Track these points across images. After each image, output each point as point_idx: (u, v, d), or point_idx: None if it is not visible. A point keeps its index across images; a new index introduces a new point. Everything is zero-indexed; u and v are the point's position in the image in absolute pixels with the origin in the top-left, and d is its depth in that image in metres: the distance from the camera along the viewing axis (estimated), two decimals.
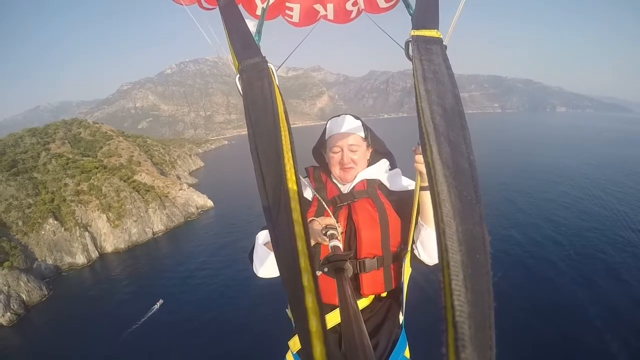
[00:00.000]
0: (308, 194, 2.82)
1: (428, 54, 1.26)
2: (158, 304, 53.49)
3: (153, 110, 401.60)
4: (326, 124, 2.96)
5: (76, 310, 52.32)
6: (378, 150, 2.98)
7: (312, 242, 2.20)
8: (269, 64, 1.35)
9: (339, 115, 2.91)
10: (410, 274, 2.66)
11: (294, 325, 2.48)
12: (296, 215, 0.98)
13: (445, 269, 0.74)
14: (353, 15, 3.81)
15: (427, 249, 2.51)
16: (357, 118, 2.87)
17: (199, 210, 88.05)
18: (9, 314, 49.98)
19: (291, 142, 1.13)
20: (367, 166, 2.88)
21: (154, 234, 75.75)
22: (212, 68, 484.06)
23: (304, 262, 0.89)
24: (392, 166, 3.01)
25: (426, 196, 2.35)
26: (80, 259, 65.22)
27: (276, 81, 1.32)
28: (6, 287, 51.57)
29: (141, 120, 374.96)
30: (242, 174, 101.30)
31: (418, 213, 2.46)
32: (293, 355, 2.57)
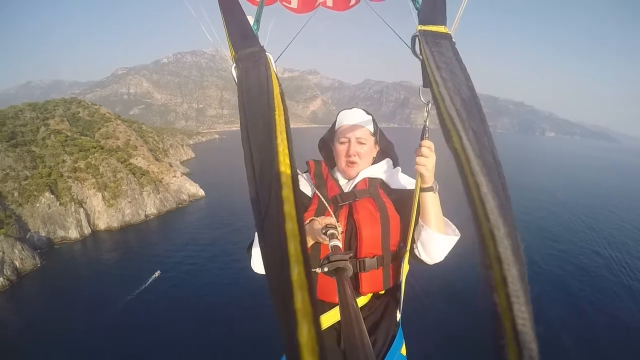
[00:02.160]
0: (308, 190, 2.76)
1: (438, 46, 1.22)
2: (157, 273, 56.11)
3: (146, 98, 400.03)
4: (336, 116, 2.93)
5: (68, 281, 54.09)
6: (384, 150, 2.99)
7: (312, 242, 2.29)
8: (266, 53, 1.32)
9: (350, 108, 2.89)
10: (408, 271, 2.67)
11: None
12: (289, 207, 0.78)
13: (500, 287, 0.62)
14: (352, 2, 3.81)
15: (427, 250, 2.49)
16: (368, 113, 2.84)
17: (191, 198, 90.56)
18: (1, 279, 51.50)
19: (286, 121, 1.01)
20: (372, 164, 2.88)
21: (146, 216, 78.01)
22: (209, 61, 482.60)
23: (296, 271, 0.70)
24: (395, 165, 2.99)
25: (426, 197, 2.37)
26: (73, 234, 67.02)
27: (273, 67, 1.28)
28: (1, 254, 53.11)
29: (133, 107, 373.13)
30: (233, 168, 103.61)
31: (418, 214, 2.46)
32: None
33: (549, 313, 48.14)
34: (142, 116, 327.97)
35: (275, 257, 0.72)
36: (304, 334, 0.63)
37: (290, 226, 0.75)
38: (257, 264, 2.39)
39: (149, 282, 54.34)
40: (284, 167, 0.86)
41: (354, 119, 2.77)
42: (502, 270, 0.62)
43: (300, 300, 0.66)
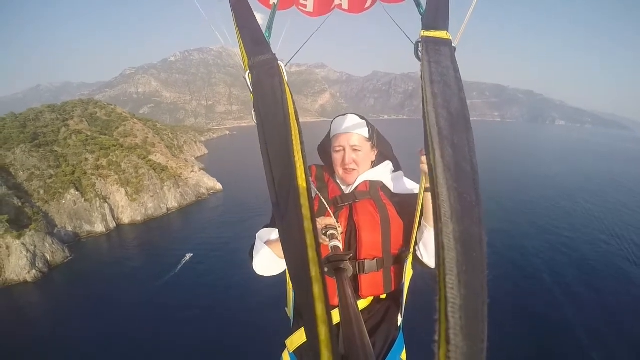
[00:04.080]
0: None
1: (437, 55, 1.27)
2: (188, 256, 59.49)
3: (155, 97, 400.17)
4: (331, 122, 2.93)
5: (96, 273, 56.39)
6: (383, 153, 2.97)
7: None
8: (278, 62, 1.36)
9: (344, 114, 2.87)
10: (412, 276, 2.67)
11: (292, 322, 2.78)
12: (305, 211, 1.01)
13: (441, 265, 0.78)
14: (368, 4, 3.79)
15: (429, 251, 2.53)
16: (362, 118, 2.83)
17: (210, 192, 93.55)
18: (34, 271, 54.02)
19: (301, 142, 1.15)
20: (371, 168, 2.88)
21: (168, 209, 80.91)
22: (216, 58, 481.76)
23: (311, 253, 0.94)
24: (396, 169, 2.98)
25: (431, 198, 2.01)
26: (99, 228, 69.76)
27: (286, 79, 1.33)
28: (33, 247, 55.56)
29: (143, 106, 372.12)
30: (247, 164, 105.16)
31: (422, 215, 2.49)
32: (289, 354, 2.60)
33: (548, 298, 49.82)
34: (151, 115, 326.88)
35: (296, 246, 0.98)
36: (320, 310, 0.86)
37: (307, 224, 0.99)
38: (259, 267, 2.48)
39: (180, 266, 57.37)
40: (301, 181, 1.07)
41: (347, 126, 2.76)
42: (443, 254, 0.79)
43: (313, 270, 0.92)
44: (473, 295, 0.75)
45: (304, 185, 1.06)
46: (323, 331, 0.83)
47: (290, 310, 2.85)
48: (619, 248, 68.35)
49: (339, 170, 2.77)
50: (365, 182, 2.74)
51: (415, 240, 2.54)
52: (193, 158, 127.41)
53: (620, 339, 42.33)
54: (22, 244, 54.45)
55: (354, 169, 2.72)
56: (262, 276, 2.54)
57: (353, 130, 2.71)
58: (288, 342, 2.61)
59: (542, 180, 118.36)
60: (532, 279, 54.93)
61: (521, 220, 79.62)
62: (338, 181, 2.85)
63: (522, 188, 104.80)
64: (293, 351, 2.56)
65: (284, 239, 1.03)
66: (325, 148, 3.02)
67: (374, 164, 2.88)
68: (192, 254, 60.77)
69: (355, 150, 2.70)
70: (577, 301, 49.39)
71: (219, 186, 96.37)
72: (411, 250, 2.55)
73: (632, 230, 78.18)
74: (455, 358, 0.68)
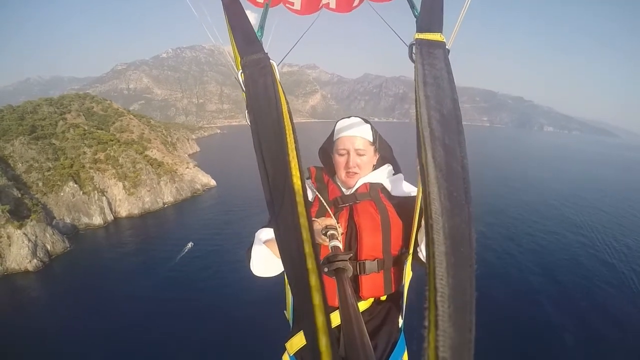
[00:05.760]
0: (309, 195, 2.70)
1: (430, 58, 1.27)
2: (190, 245, 61.48)
3: (146, 93, 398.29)
4: (335, 124, 2.90)
5: (95, 264, 57.77)
6: (383, 156, 2.97)
7: None
8: (270, 61, 1.36)
9: (349, 117, 2.87)
10: (411, 278, 2.65)
11: (291, 325, 2.75)
12: (300, 208, 1.00)
13: (431, 258, 0.81)
14: (356, 3, 3.80)
15: None
16: (366, 121, 2.81)
17: (204, 188, 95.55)
18: (35, 260, 55.27)
19: (295, 140, 1.14)
20: (372, 171, 2.86)
21: (164, 204, 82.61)
22: (208, 56, 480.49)
23: (307, 248, 0.92)
24: (396, 172, 2.97)
25: None
26: (97, 220, 71.24)
27: (278, 78, 1.33)
28: (34, 237, 56.87)
29: (133, 102, 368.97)
30: (238, 161, 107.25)
31: (421, 215, 2.38)
32: (290, 357, 2.54)
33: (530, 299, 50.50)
34: (142, 111, 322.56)
35: (291, 242, 0.96)
36: (317, 300, 0.85)
37: (302, 221, 0.98)
38: (257, 267, 2.43)
39: (182, 254, 59.48)
40: (296, 179, 1.06)
41: (352, 129, 2.74)
42: (433, 248, 0.81)
43: (310, 263, 0.91)
44: (461, 287, 0.78)
45: (299, 183, 1.05)
46: (323, 342, 0.82)
47: (289, 314, 2.91)
48: (598, 246, 70.96)
49: (342, 174, 2.75)
50: (365, 184, 2.73)
51: (417, 241, 2.54)
52: (186, 155, 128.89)
53: (593, 339, 42.79)
54: (24, 233, 55.61)
55: (356, 173, 2.72)
56: (260, 277, 2.54)
57: (358, 134, 2.72)
58: (288, 345, 2.60)
59: (527, 185, 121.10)
60: (507, 278, 55.79)
61: (501, 222, 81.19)
62: (338, 183, 2.84)
63: (506, 192, 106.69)
64: (293, 354, 2.54)
65: (278, 237, 1.02)
66: (327, 150, 3.02)
67: (375, 167, 2.89)
68: (192, 243, 62.79)
69: (359, 154, 2.70)
70: (552, 302, 50.26)
71: (213, 182, 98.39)
72: (411, 251, 2.54)
73: (616, 235, 80.00)
74: (443, 342, 0.70)
